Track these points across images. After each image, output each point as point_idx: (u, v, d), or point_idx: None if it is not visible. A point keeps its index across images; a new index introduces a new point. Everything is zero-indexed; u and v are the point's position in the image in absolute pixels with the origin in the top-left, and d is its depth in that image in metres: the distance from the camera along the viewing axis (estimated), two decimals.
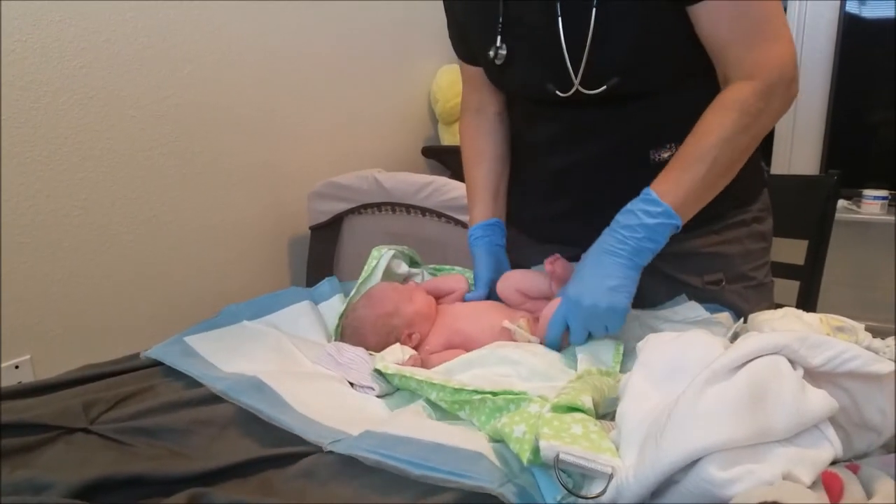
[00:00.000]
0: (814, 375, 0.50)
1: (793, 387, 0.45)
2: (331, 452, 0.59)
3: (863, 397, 0.49)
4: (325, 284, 0.99)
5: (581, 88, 0.86)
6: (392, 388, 0.75)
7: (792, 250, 1.39)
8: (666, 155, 0.92)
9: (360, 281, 0.93)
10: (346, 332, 0.87)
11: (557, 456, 0.48)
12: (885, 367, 0.47)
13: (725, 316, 0.95)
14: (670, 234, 0.79)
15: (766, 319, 0.80)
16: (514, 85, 0.97)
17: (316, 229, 1.98)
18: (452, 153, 2.18)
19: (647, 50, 0.83)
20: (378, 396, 0.72)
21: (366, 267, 0.95)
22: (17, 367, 1.55)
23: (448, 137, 2.48)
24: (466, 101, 1.09)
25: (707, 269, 0.99)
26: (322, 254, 1.99)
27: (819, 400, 0.45)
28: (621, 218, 0.80)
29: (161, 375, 0.74)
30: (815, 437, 0.44)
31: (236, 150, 1.92)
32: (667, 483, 0.43)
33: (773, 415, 0.43)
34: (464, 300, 0.93)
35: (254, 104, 1.94)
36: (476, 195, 1.03)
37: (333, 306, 0.94)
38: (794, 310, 0.83)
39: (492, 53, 0.90)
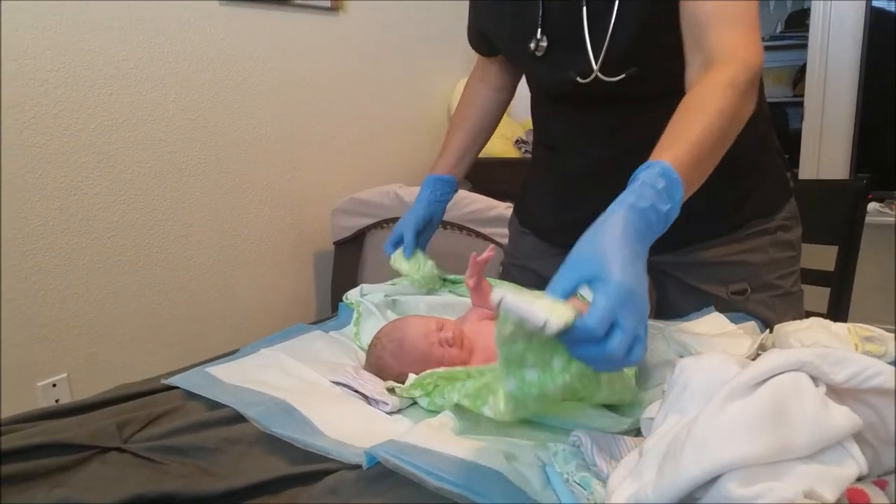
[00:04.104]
0: (838, 391, 0.49)
1: (814, 403, 0.44)
2: (355, 469, 0.60)
3: (890, 413, 0.49)
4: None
5: (600, 75, 0.87)
6: (406, 402, 0.76)
7: (822, 257, 1.37)
8: None
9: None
10: (370, 364, 0.87)
11: (501, 301, 0.50)
12: None
13: (752, 326, 0.94)
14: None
15: (793, 330, 0.79)
16: (543, 74, 0.98)
17: (340, 244, 2.01)
18: (473, 165, 2.18)
19: (665, 39, 0.83)
20: (390, 413, 0.73)
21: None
22: (54, 385, 1.60)
23: None
24: (474, 71, 1.19)
25: (731, 278, 0.98)
26: (346, 268, 2.02)
27: (842, 416, 0.45)
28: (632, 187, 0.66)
29: (190, 396, 0.75)
30: (838, 453, 0.44)
31: (261, 168, 1.96)
32: (687, 500, 0.43)
33: (794, 431, 0.43)
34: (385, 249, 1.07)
35: (277, 124, 1.98)
36: (445, 153, 1.14)
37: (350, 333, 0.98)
38: (821, 320, 0.82)
39: (532, 45, 0.93)
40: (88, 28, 1.54)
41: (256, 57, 1.91)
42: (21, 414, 0.68)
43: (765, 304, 0.98)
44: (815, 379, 0.48)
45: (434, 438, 0.62)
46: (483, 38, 1.09)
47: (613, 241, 0.57)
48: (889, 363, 0.71)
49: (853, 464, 0.44)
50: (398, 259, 1.05)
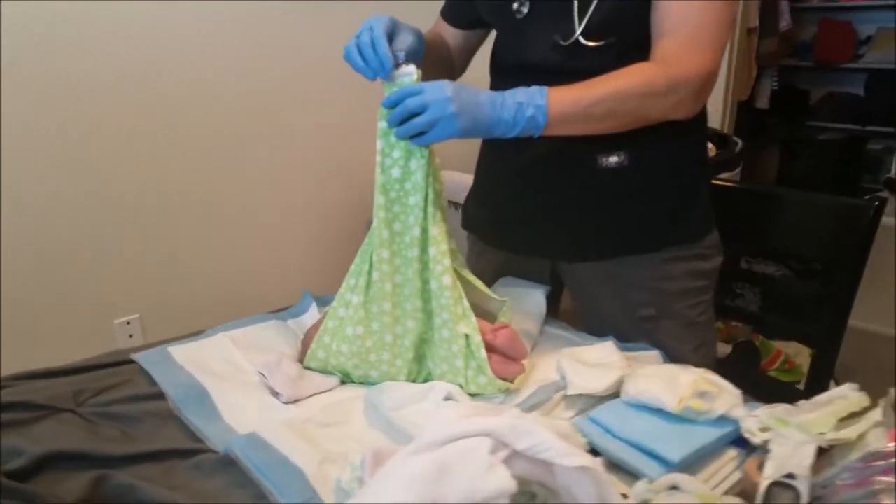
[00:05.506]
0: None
1: (477, 466, 0.55)
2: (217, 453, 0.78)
3: (572, 481, 0.58)
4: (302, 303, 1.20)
5: (581, 39, 0.94)
6: (310, 391, 0.93)
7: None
8: (613, 160, 0.98)
9: None
10: (302, 351, 1.04)
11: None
12: (573, 461, 0.56)
13: (654, 356, 1.00)
14: (528, 128, 0.86)
15: (637, 374, 0.86)
16: (523, 37, 1.01)
17: None
18: None
19: (644, 20, 0.91)
20: (285, 403, 0.90)
21: None
22: (128, 322, 1.94)
23: None
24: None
25: (643, 303, 1.04)
26: None
27: (497, 481, 0.55)
28: (517, 89, 0.87)
29: (140, 371, 0.97)
30: None
31: (322, 146, 2.20)
32: None
33: (449, 488, 0.54)
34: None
35: (334, 104, 2.18)
36: None
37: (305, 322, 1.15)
38: (672, 368, 0.88)
39: (515, 5, 0.99)
40: (167, 18, 1.80)
41: (318, 44, 2.08)
42: (15, 374, 0.93)
43: (670, 334, 1.03)
44: (505, 444, 0.58)
45: (283, 435, 0.79)
46: (461, 4, 1.12)
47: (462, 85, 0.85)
48: (712, 420, 0.78)
49: None
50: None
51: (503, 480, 0.55)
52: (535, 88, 0.86)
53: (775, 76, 3.32)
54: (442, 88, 0.83)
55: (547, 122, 0.86)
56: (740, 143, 2.35)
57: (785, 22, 2.99)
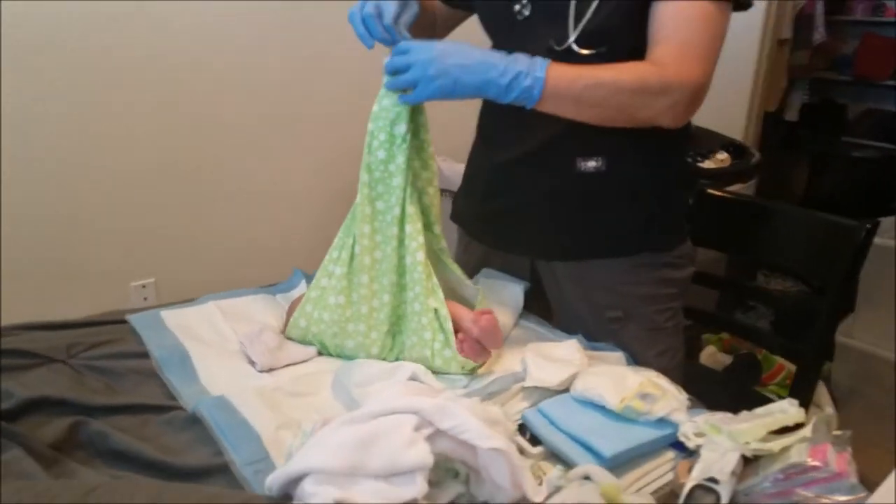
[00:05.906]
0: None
1: (399, 440, 0.60)
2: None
3: (490, 461, 0.62)
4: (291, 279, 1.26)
5: (574, 46, 0.96)
6: (280, 363, 0.99)
7: None
8: (591, 165, 1.01)
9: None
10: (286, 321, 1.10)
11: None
12: (487, 442, 0.60)
13: (618, 357, 1.04)
14: (522, 97, 0.87)
15: (590, 373, 0.89)
16: (520, 39, 1.02)
17: None
18: None
19: (639, 33, 0.93)
20: (260, 371, 0.96)
21: None
22: (143, 286, 2.04)
23: None
24: None
25: (610, 305, 1.07)
26: None
27: (417, 454, 0.60)
28: (520, 55, 0.88)
29: (132, 331, 1.04)
30: (406, 479, 0.59)
31: (331, 132, 2.24)
32: (290, 488, 0.61)
33: (371, 457, 0.59)
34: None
35: (346, 94, 2.23)
36: None
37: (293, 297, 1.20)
38: (623, 369, 0.91)
39: (517, 7, 1.02)
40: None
41: (331, 31, 2.13)
42: (18, 324, 1.01)
43: (635, 336, 1.05)
44: (431, 423, 0.63)
45: (249, 400, 0.85)
46: None
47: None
48: (652, 421, 0.82)
49: (414, 489, 0.59)
50: None
51: (422, 455, 0.60)
52: (538, 59, 0.87)
53: (807, 89, 3.26)
54: (427, 49, 0.86)
55: (542, 95, 0.87)
56: (757, 154, 2.34)
57: (819, 35, 2.93)
